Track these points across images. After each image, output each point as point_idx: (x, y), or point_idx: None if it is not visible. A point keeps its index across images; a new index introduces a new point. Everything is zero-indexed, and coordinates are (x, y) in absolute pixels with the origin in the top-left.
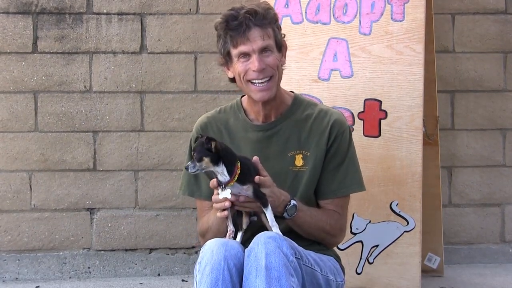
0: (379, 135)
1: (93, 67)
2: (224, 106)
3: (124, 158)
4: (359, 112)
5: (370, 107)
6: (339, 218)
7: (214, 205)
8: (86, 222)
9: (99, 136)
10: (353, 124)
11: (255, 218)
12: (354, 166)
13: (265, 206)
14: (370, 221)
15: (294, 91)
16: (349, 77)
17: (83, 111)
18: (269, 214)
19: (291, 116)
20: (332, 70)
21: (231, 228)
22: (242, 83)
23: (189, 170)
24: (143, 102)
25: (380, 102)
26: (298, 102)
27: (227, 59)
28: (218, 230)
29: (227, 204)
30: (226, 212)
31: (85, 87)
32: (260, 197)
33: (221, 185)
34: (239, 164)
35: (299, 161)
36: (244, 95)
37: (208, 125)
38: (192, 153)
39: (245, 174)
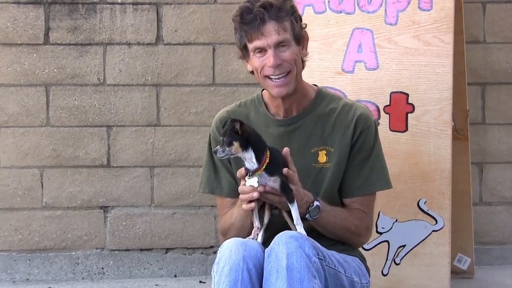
0: (406, 129)
1: (107, 59)
2: (245, 99)
3: (139, 153)
4: (385, 106)
5: (397, 101)
6: (365, 217)
7: (241, 196)
8: (100, 220)
9: (113, 131)
10: (379, 118)
11: (276, 212)
12: (380, 163)
13: (291, 201)
14: (396, 220)
15: (316, 84)
16: (374, 69)
17: (97, 104)
18: (294, 211)
19: (314, 111)
20: (356, 61)
21: (256, 224)
22: (259, 78)
23: (217, 154)
24: (159, 96)
25: (407, 95)
26: (321, 95)
27: (244, 52)
28: (242, 226)
29: (255, 194)
30: (253, 204)
31: (99, 79)
32: (287, 192)
33: (248, 172)
34: (268, 152)
35: (322, 158)
36: None
37: (227, 120)
38: (221, 138)
39: (273, 164)
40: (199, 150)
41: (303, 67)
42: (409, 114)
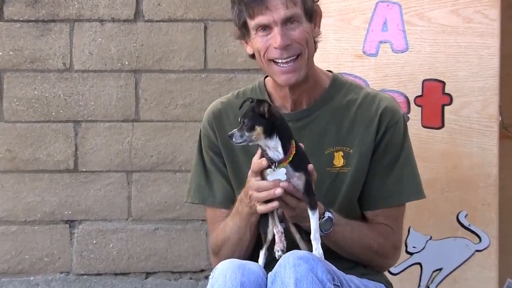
0: (442, 126)
1: (74, 39)
2: (243, 88)
3: (114, 155)
4: (416, 97)
5: (431, 90)
6: (392, 234)
7: (257, 194)
8: (65, 238)
9: (81, 128)
10: (408, 112)
11: (283, 225)
12: (411, 167)
13: (313, 207)
14: (431, 238)
15: (332, 69)
16: (403, 52)
17: (62, 95)
18: (314, 221)
19: (328, 103)
20: (380, 42)
21: (279, 228)
22: (263, 62)
23: (234, 140)
24: (138, 84)
25: (443, 83)
26: (337, 84)
27: (243, 31)
28: (240, 239)
29: (279, 191)
30: (275, 204)
31: (64, 64)
32: (310, 194)
33: (274, 163)
34: (294, 142)
35: (339, 160)
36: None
37: (222, 113)
38: (240, 120)
39: (299, 157)
40: (188, 151)
41: (315, 49)
42: (445, 107)
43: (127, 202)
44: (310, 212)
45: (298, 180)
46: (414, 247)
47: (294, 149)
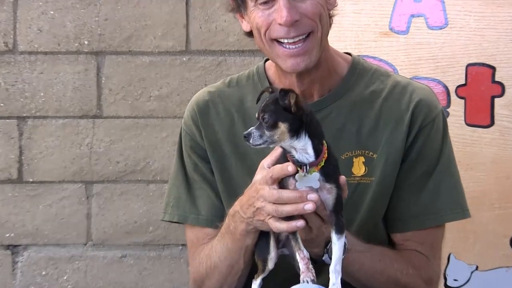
0: (492, 123)
1: (19, 12)
2: (237, 75)
3: (69, 161)
4: (458, 86)
5: (477, 78)
6: (426, 263)
7: (275, 207)
8: (6, 267)
9: (28, 126)
10: (448, 106)
11: (286, 251)
12: (451, 178)
13: (339, 232)
14: (477, 268)
15: (350, 52)
16: (441, 28)
17: (2, 84)
18: (337, 249)
19: (346, 94)
20: (412, 16)
21: (304, 254)
22: (263, 42)
23: (251, 142)
24: (100, 70)
25: (493, 68)
26: (358, 70)
27: (238, 2)
28: (231, 267)
29: (310, 206)
30: (301, 222)
31: (6, 44)
32: (338, 214)
33: (304, 166)
34: (325, 143)
35: (359, 168)
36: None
37: (210, 106)
38: (259, 115)
39: (332, 164)
40: (165, 156)
41: (330, 26)
42: (496, 99)
43: (86, 222)
44: (334, 237)
45: (328, 194)
46: (455, 280)
47: (326, 152)
